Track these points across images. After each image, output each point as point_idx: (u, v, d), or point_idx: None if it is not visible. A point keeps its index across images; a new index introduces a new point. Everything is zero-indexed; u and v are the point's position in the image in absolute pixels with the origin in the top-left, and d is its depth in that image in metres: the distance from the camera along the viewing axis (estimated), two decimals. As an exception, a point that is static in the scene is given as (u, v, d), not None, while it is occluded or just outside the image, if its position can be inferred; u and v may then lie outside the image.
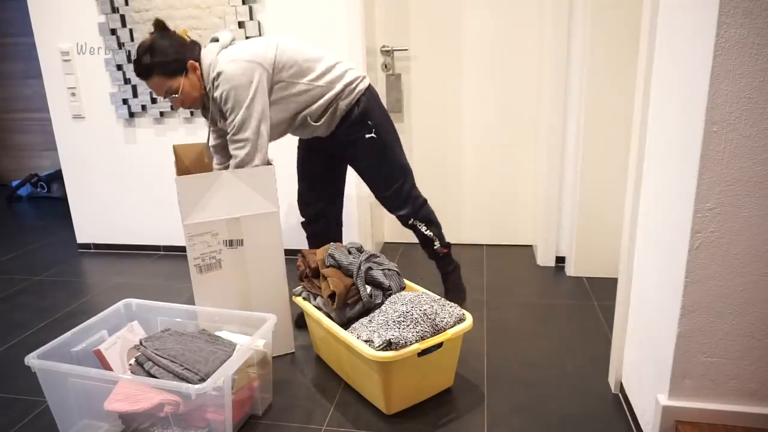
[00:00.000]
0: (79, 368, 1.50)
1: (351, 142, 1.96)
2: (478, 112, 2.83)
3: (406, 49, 2.79)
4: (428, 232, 2.09)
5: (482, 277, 2.61)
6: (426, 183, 2.98)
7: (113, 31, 2.78)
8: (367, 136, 1.93)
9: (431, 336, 1.61)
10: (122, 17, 2.75)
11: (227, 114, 1.80)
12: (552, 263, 2.72)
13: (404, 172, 2.03)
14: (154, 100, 2.85)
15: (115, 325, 1.79)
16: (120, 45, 2.79)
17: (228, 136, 1.82)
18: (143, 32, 2.74)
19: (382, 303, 1.76)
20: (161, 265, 2.95)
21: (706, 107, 1.12)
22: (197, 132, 2.89)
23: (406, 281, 1.90)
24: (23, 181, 4.41)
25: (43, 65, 2.94)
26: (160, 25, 1.81)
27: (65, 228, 3.62)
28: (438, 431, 1.59)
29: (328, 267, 1.83)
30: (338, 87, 1.90)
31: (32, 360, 1.51)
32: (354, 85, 1.93)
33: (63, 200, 4.30)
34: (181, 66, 1.79)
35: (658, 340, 1.38)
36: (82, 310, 2.44)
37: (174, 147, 2.16)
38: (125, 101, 2.88)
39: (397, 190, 2.01)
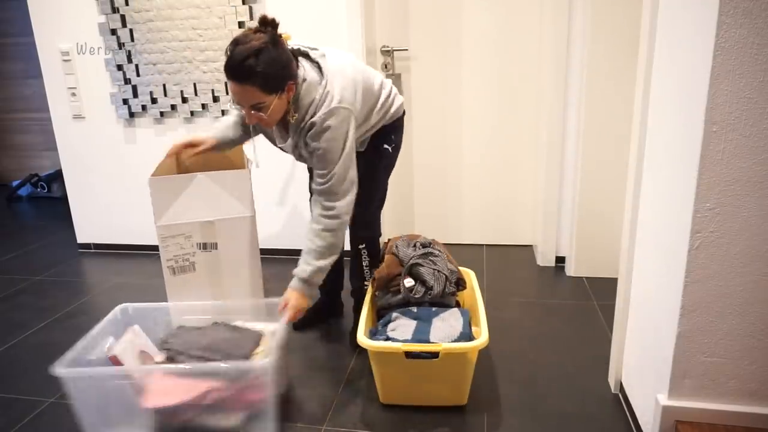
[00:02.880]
0: (122, 368, 1.51)
1: (370, 143, 1.91)
2: (478, 111, 2.83)
3: (406, 49, 2.79)
4: (366, 266, 2.00)
5: (482, 277, 2.61)
6: (426, 183, 2.98)
7: (113, 31, 2.78)
8: (385, 146, 1.91)
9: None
10: (122, 17, 2.75)
11: (318, 164, 1.64)
12: (552, 263, 2.72)
13: (383, 197, 2.01)
14: (154, 100, 2.85)
15: (115, 331, 1.76)
16: (120, 45, 2.79)
17: (320, 187, 1.66)
18: (143, 32, 2.74)
19: (423, 299, 1.79)
20: (161, 265, 2.94)
21: (706, 107, 1.12)
22: (197, 132, 2.88)
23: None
24: (23, 181, 4.41)
25: (43, 65, 2.94)
26: (272, 26, 1.53)
27: (65, 228, 3.62)
28: (438, 430, 1.59)
29: (390, 254, 1.91)
30: (390, 115, 1.87)
31: (64, 370, 1.46)
32: (399, 111, 1.92)
33: (63, 200, 4.30)
34: (281, 86, 1.54)
35: (658, 340, 1.38)
36: (82, 310, 2.44)
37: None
38: (125, 101, 2.88)
39: (373, 211, 1.99)
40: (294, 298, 1.65)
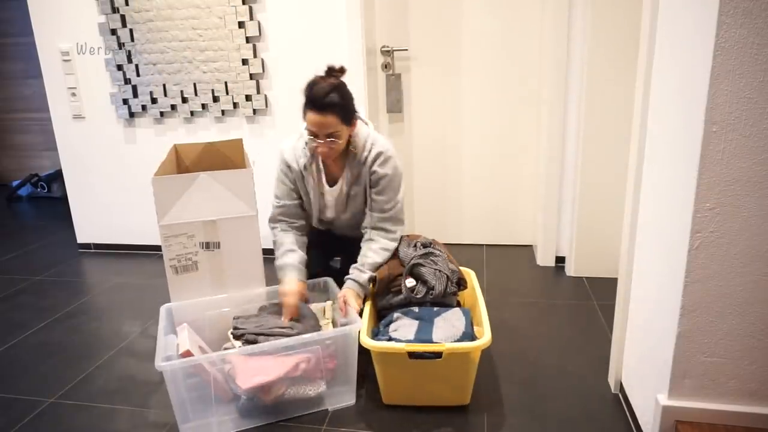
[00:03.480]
0: (228, 351, 1.60)
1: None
2: (478, 111, 2.83)
3: (406, 49, 2.79)
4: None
5: (482, 277, 2.61)
6: (426, 183, 2.98)
7: (113, 31, 2.78)
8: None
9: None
10: (122, 17, 2.75)
11: (383, 193, 1.87)
12: (552, 263, 2.72)
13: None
14: (154, 100, 2.85)
15: (169, 330, 1.77)
16: (120, 45, 2.79)
17: (384, 215, 1.89)
18: (143, 32, 2.74)
19: (425, 299, 1.79)
20: (161, 265, 2.93)
21: (706, 107, 1.13)
22: (197, 132, 2.89)
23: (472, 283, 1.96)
24: (23, 181, 4.41)
25: (43, 65, 2.94)
26: (340, 72, 1.77)
27: (65, 228, 3.62)
28: (438, 431, 1.59)
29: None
30: None
31: (166, 364, 1.48)
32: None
33: (63, 200, 4.29)
34: (352, 119, 1.79)
35: (658, 340, 1.38)
36: (82, 310, 2.44)
37: (175, 146, 2.16)
38: (125, 101, 2.88)
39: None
40: (352, 297, 1.81)
